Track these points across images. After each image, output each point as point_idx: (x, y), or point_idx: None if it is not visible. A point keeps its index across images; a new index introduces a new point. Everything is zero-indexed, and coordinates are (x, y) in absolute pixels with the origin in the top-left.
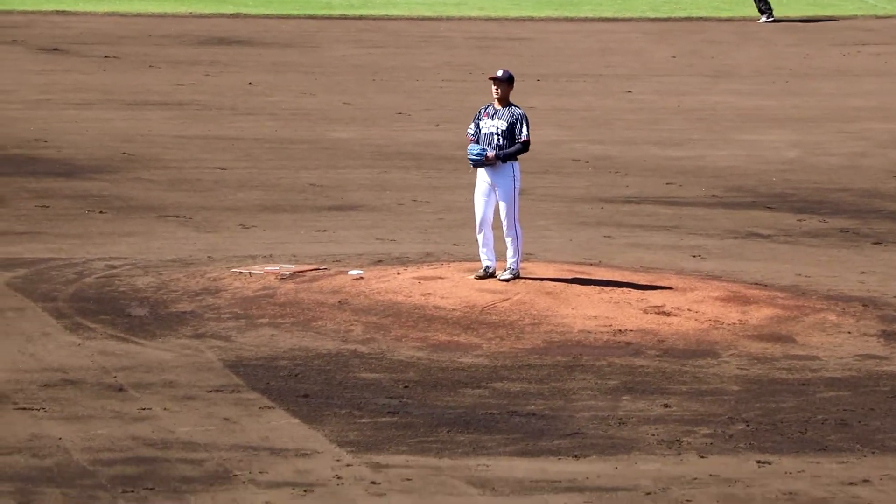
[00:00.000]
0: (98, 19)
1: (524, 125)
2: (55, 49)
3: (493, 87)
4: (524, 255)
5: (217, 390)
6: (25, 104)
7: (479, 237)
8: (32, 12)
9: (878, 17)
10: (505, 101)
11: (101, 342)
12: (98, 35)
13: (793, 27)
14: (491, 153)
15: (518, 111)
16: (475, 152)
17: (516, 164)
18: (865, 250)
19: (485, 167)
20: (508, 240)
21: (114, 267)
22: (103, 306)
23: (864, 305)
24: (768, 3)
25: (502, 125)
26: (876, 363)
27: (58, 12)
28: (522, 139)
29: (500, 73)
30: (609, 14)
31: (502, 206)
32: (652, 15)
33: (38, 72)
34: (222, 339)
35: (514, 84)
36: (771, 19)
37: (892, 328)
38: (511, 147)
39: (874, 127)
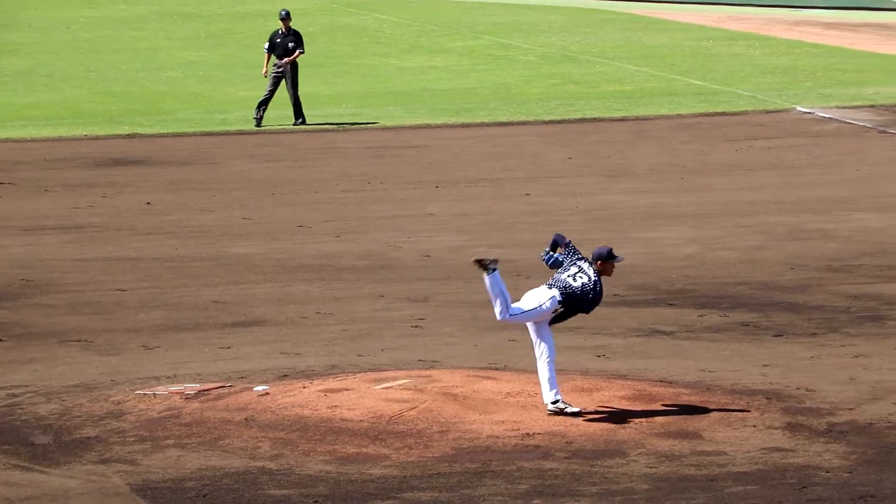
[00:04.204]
0: None
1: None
2: None
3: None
4: (431, 363)
5: None
6: None
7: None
8: None
9: (768, 112)
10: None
11: (4, 473)
12: None
13: (686, 124)
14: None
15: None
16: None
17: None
18: (766, 343)
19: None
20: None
21: (15, 395)
22: (5, 436)
23: (767, 398)
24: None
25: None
26: (782, 455)
27: None
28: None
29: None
30: (504, 118)
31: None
32: (546, 118)
33: None
34: (128, 462)
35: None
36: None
37: (796, 420)
38: None
39: (769, 220)
